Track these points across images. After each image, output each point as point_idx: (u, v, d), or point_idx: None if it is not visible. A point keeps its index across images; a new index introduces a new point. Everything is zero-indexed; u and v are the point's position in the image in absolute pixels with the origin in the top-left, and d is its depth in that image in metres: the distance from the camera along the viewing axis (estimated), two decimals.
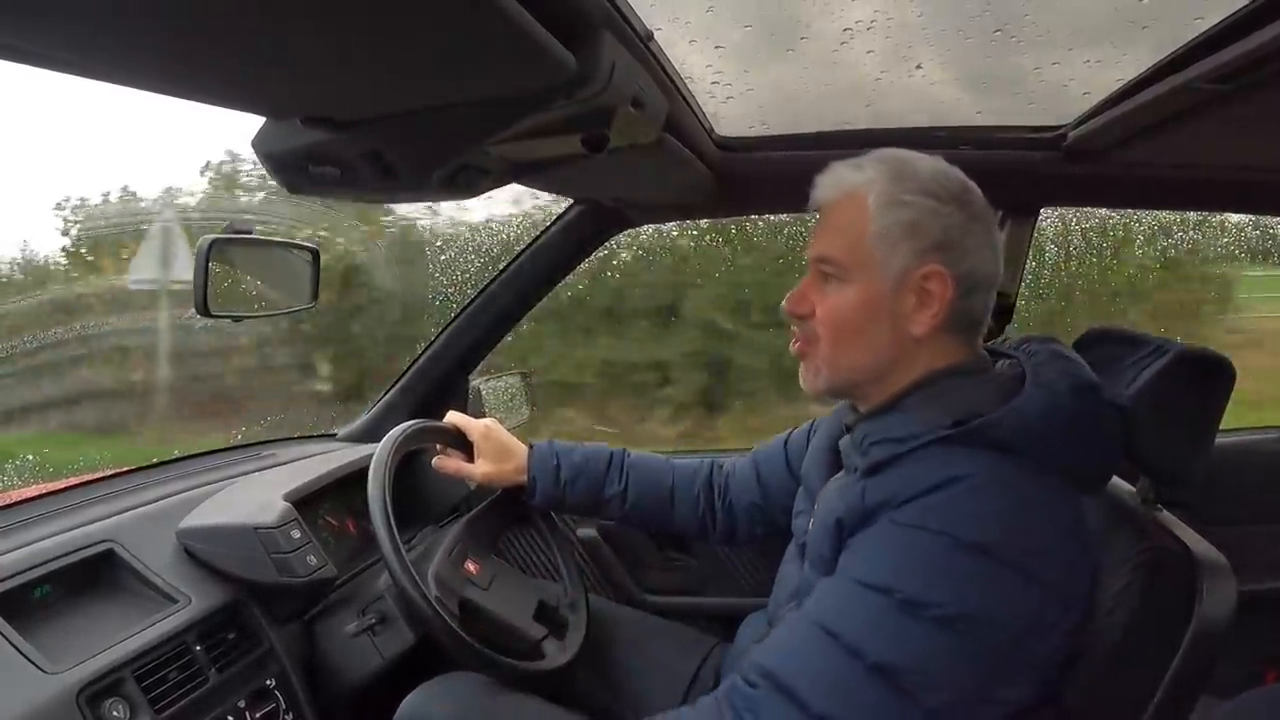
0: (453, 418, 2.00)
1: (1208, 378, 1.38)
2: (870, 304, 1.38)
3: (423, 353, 2.63)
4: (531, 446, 1.99)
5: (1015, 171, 2.15)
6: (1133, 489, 1.60)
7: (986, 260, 1.39)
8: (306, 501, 2.02)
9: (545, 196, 2.67)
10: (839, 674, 1.16)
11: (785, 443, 1.96)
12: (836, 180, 1.43)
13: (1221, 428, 1.42)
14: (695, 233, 5.53)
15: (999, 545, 1.18)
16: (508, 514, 2.07)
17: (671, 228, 5.32)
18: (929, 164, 1.42)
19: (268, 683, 1.72)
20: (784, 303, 1.47)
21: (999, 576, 1.18)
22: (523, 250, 2.53)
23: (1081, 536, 1.29)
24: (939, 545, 1.18)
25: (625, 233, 2.53)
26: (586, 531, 2.58)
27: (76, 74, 0.92)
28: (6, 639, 1.40)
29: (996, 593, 1.18)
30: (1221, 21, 1.31)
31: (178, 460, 2.29)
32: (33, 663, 1.38)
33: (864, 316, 1.39)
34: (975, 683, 1.19)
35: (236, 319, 1.95)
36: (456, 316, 2.60)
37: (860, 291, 1.38)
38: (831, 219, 1.43)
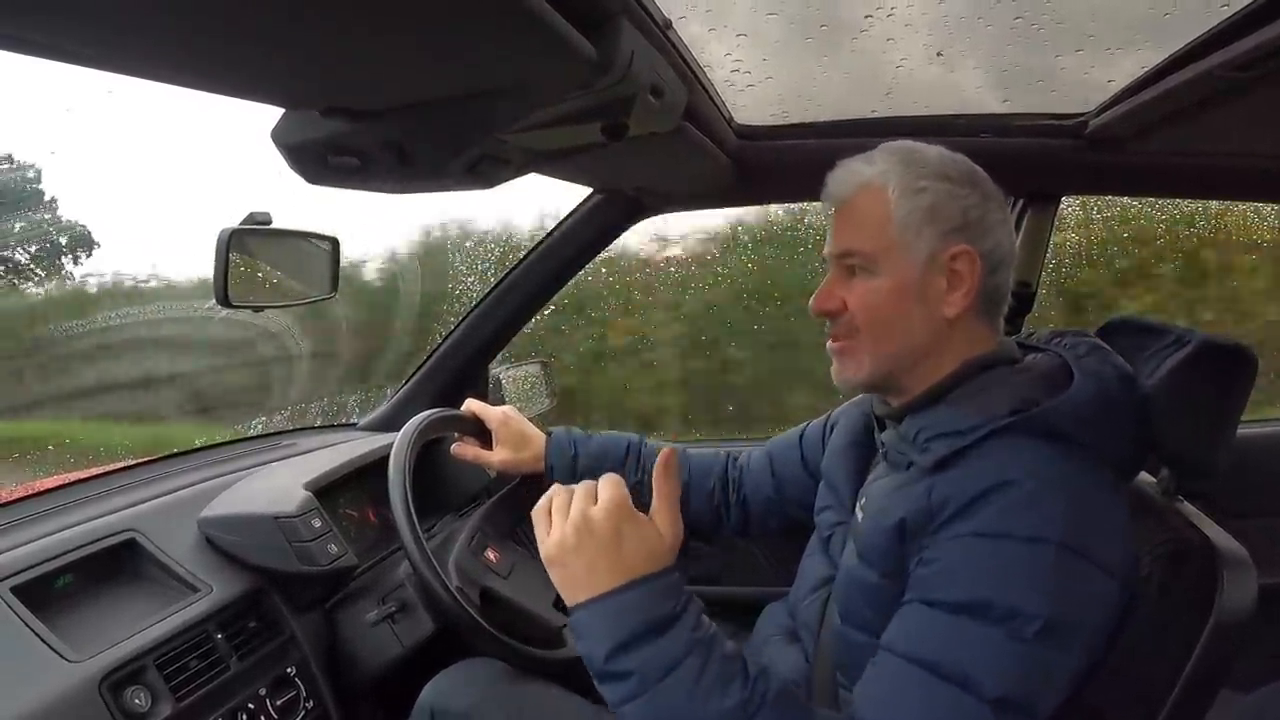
0: (471, 405, 2.01)
1: (1230, 368, 1.37)
2: (902, 290, 1.40)
3: (443, 342, 2.63)
4: (549, 434, 2.00)
5: (1036, 160, 2.14)
6: (1154, 480, 1.59)
7: (1005, 237, 1.43)
8: (327, 490, 2.02)
9: None
10: (956, 714, 1.14)
11: (800, 437, 1.96)
12: (850, 175, 1.45)
13: (1243, 418, 1.41)
14: None
15: (1081, 542, 1.18)
16: (527, 502, 2.07)
17: None
18: (936, 151, 1.45)
19: (288, 671, 1.72)
20: (811, 302, 1.48)
21: (1084, 573, 1.18)
22: (543, 239, 2.54)
23: (1129, 524, 1.30)
24: (1027, 550, 1.17)
25: None
26: None
27: (93, 67, 0.92)
28: (29, 628, 1.41)
29: (1082, 591, 1.18)
30: (1242, 9, 1.31)
31: (198, 450, 2.30)
32: (55, 651, 1.39)
33: (897, 303, 1.40)
34: (1075, 681, 1.19)
35: (257, 309, 1.95)
36: (477, 305, 2.60)
37: (891, 280, 1.40)
38: (851, 213, 1.45)
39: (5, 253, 5.87)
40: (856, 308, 1.43)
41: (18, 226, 5.86)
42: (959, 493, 1.24)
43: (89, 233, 5.96)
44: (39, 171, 5.83)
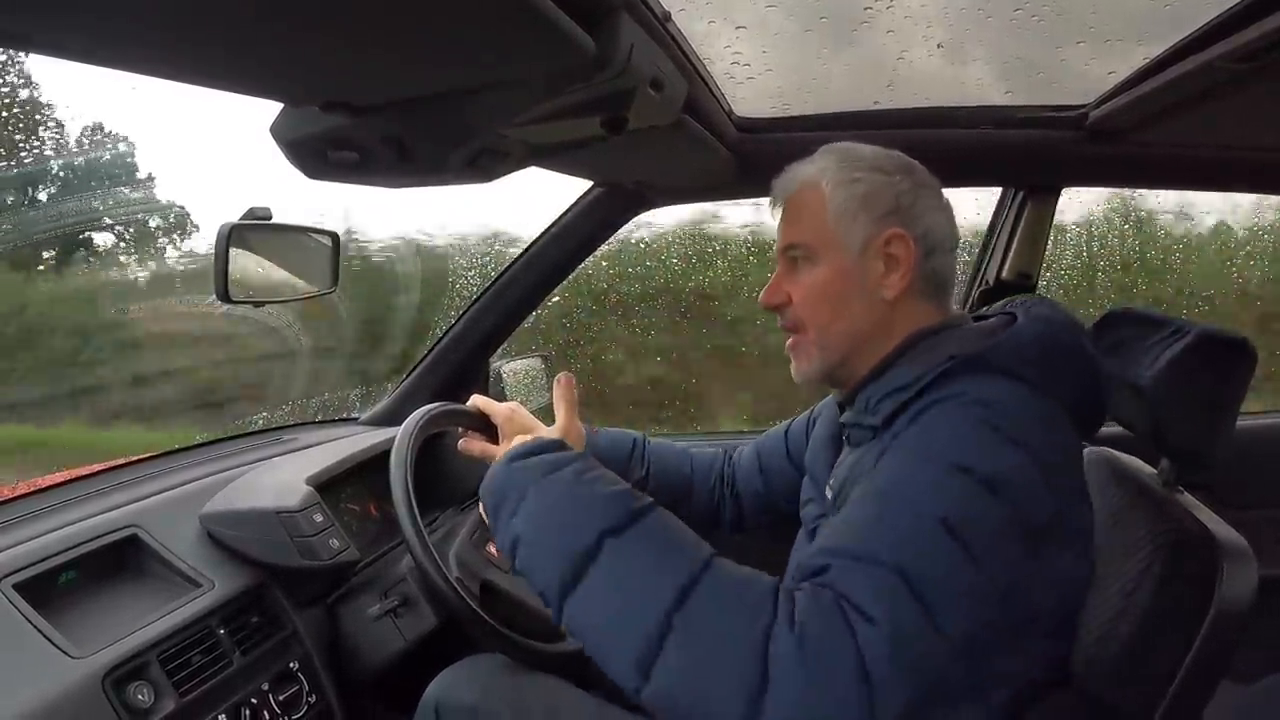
0: (477, 401, 2.00)
1: (1229, 359, 1.37)
2: (841, 276, 1.45)
3: (443, 335, 2.63)
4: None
5: (1036, 151, 2.14)
6: (1153, 470, 1.59)
7: (941, 222, 1.48)
8: (329, 485, 2.02)
9: None
10: (903, 525, 1.14)
11: (786, 432, 1.99)
12: (792, 176, 1.54)
13: (1242, 410, 1.42)
14: None
15: (1022, 437, 1.20)
16: None
17: None
18: (872, 148, 1.52)
19: (291, 665, 1.73)
20: (760, 297, 1.55)
21: (1025, 462, 1.19)
22: (543, 233, 2.53)
23: (1083, 473, 1.32)
24: (972, 417, 1.21)
25: None
26: None
27: (94, 63, 0.92)
28: (32, 624, 1.41)
29: (1025, 475, 1.19)
30: (1243, 1, 1.31)
31: (200, 445, 2.30)
32: (58, 647, 1.39)
33: (838, 288, 1.46)
34: (1019, 558, 1.18)
35: (257, 304, 1.95)
36: (477, 299, 2.59)
37: (830, 267, 1.46)
38: (792, 209, 1.53)
39: (85, 234, 5.58)
40: (800, 298, 1.50)
41: (104, 205, 5.59)
42: (902, 425, 1.29)
43: (187, 215, 5.68)
44: (133, 146, 5.57)
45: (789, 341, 1.54)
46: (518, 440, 1.39)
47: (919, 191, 1.46)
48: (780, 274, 1.53)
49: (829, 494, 1.52)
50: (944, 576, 1.10)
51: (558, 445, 1.35)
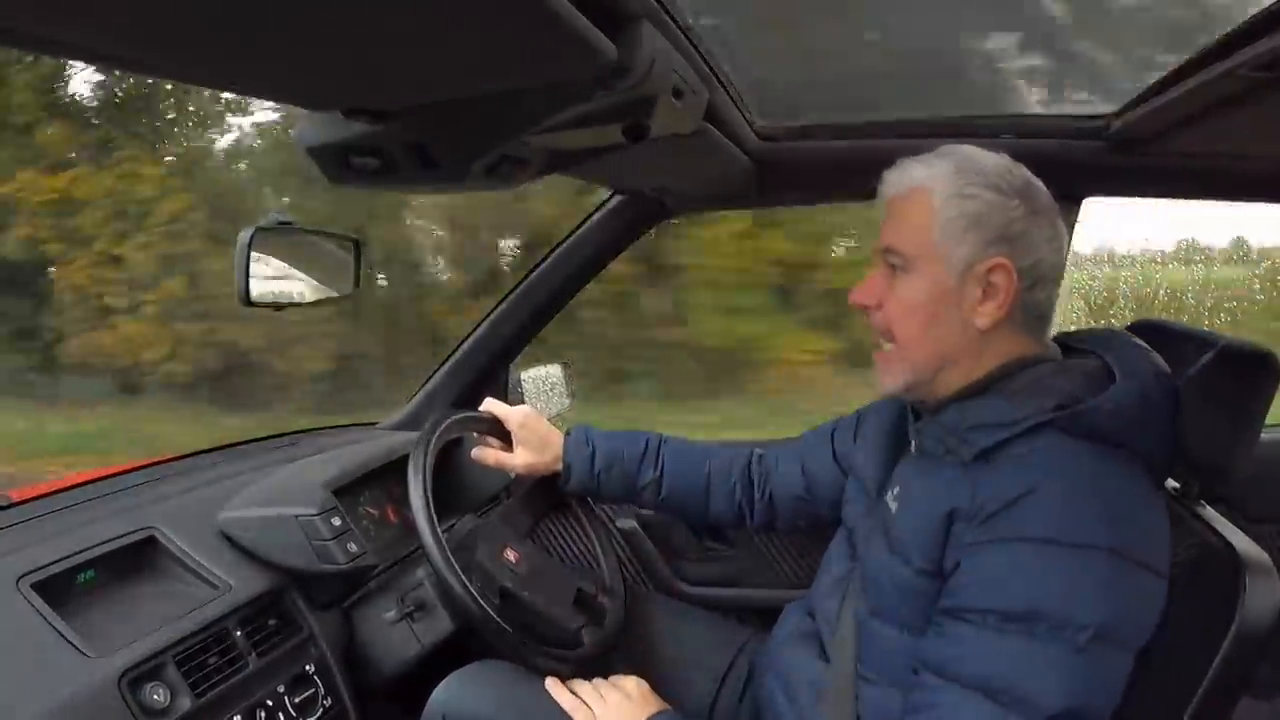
0: (490, 406, 1.99)
1: (1252, 372, 1.36)
2: (937, 294, 1.39)
3: (463, 342, 2.63)
4: (568, 433, 1.99)
5: (1058, 161, 2.11)
6: (1175, 484, 1.58)
7: (1050, 253, 1.41)
8: (347, 489, 2.03)
9: None
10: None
11: (832, 435, 1.93)
12: (904, 175, 1.45)
13: (1266, 423, 1.40)
14: None
15: (1127, 545, 1.20)
16: (546, 503, 2.07)
17: None
18: (994, 159, 1.43)
19: (307, 668, 1.73)
20: (852, 293, 1.49)
21: (1131, 576, 1.21)
22: (563, 240, 2.53)
23: (1167, 521, 1.32)
24: (1077, 558, 1.19)
25: None
26: (626, 522, 2.56)
27: (120, 69, 0.93)
28: (49, 624, 1.42)
29: (1131, 594, 1.21)
30: (1266, 7, 1.30)
31: (220, 448, 2.31)
32: (75, 647, 1.40)
33: (930, 307, 1.40)
34: (1126, 679, 1.24)
35: (279, 308, 1.95)
36: (497, 306, 2.60)
37: (926, 282, 1.40)
38: (898, 212, 1.44)
39: None
40: (891, 306, 1.44)
41: None
42: (1000, 492, 1.25)
43: None
44: None
45: (877, 355, 1.49)
46: None
47: (1033, 219, 1.39)
48: (877, 274, 1.47)
49: (890, 502, 1.49)
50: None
51: None
